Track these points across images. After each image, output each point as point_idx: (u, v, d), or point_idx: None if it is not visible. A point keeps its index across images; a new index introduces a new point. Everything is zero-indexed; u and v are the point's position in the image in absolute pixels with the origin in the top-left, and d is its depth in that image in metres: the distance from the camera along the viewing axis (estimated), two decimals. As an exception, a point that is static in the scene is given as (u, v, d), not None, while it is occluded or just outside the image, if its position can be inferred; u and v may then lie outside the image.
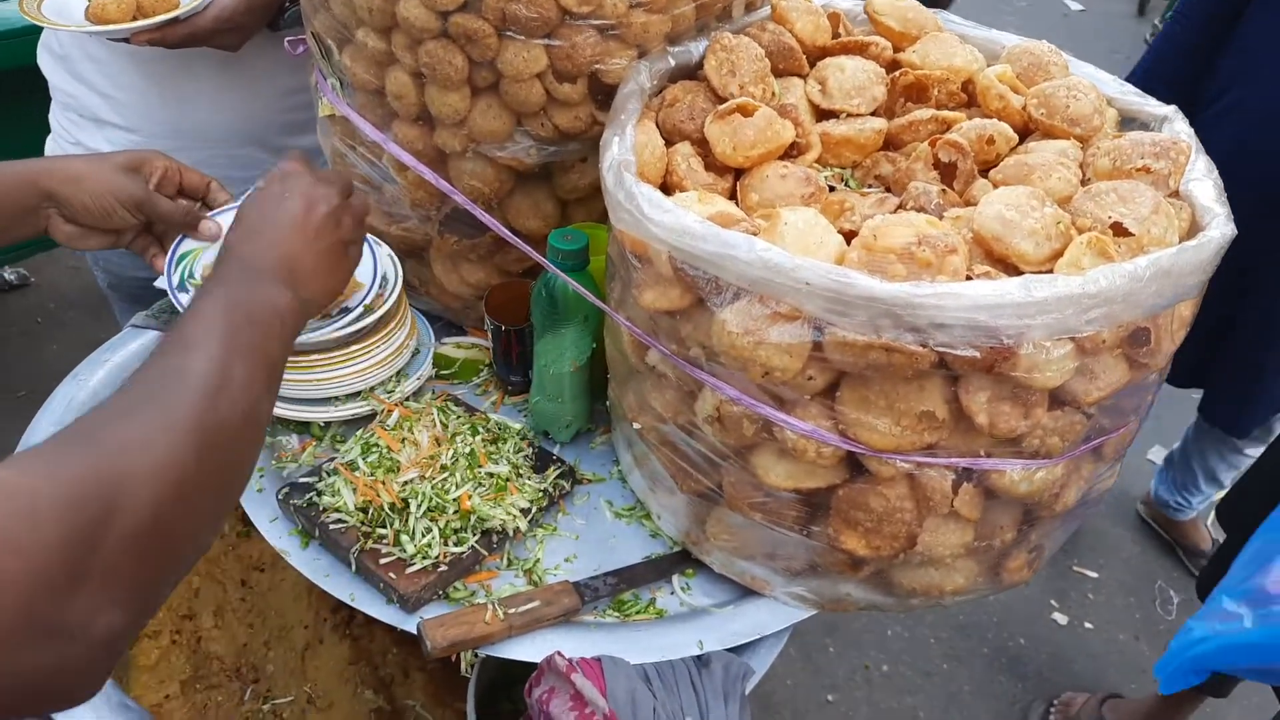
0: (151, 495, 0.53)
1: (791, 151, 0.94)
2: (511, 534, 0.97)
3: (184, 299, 0.96)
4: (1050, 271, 0.75)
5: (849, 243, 0.78)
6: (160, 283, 1.00)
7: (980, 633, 2.34)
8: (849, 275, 0.71)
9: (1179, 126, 0.92)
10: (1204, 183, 0.84)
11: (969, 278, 0.74)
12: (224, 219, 1.00)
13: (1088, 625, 2.39)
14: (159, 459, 0.54)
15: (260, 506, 1.02)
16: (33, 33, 1.48)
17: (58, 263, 3.14)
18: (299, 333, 0.75)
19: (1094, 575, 2.51)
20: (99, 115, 1.41)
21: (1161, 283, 0.73)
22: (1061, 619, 2.40)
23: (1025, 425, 0.78)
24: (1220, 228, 0.78)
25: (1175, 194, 0.85)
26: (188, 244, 1.01)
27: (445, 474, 0.97)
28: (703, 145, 0.93)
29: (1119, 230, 0.78)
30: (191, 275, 1.00)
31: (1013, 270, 0.77)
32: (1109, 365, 0.77)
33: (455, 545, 0.95)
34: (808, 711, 2.16)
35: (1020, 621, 2.37)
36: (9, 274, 3.06)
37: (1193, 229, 0.81)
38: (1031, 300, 0.69)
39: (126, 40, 1.21)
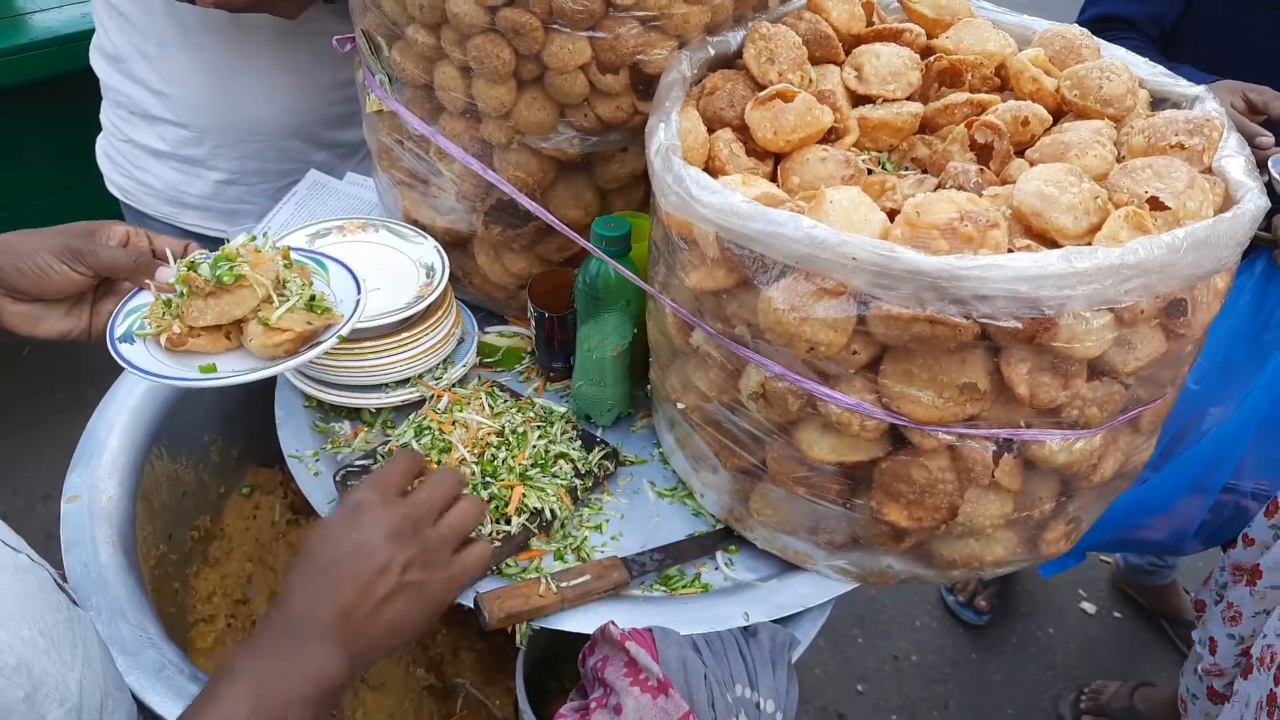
0: None
1: (830, 136, 0.96)
2: (559, 513, 1.00)
3: (126, 350, 0.85)
4: (1089, 245, 0.77)
5: (891, 220, 0.81)
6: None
7: (1009, 622, 2.35)
8: (894, 249, 0.73)
9: (1210, 106, 0.94)
10: (1236, 159, 0.86)
11: (1010, 252, 0.77)
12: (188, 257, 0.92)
13: (1116, 615, 2.40)
14: None
15: (317, 489, 1.06)
16: (84, 38, 1.53)
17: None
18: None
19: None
20: (151, 111, 1.46)
21: (1198, 254, 0.75)
22: (1090, 608, 2.41)
23: (1065, 396, 0.80)
24: (1254, 200, 0.80)
25: (1209, 170, 0.87)
26: (142, 297, 0.90)
27: (496, 451, 1.00)
28: (743, 131, 0.96)
29: (1155, 204, 0.80)
30: (142, 326, 0.88)
31: (1052, 245, 0.79)
32: (1147, 336, 0.79)
33: (506, 524, 0.98)
34: (839, 701, 2.18)
35: (1049, 611, 2.38)
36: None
37: (1226, 203, 0.83)
38: (1072, 271, 0.72)
39: (192, 2, 1.22)
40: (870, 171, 0.96)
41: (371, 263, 1.18)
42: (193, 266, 0.88)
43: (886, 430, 0.85)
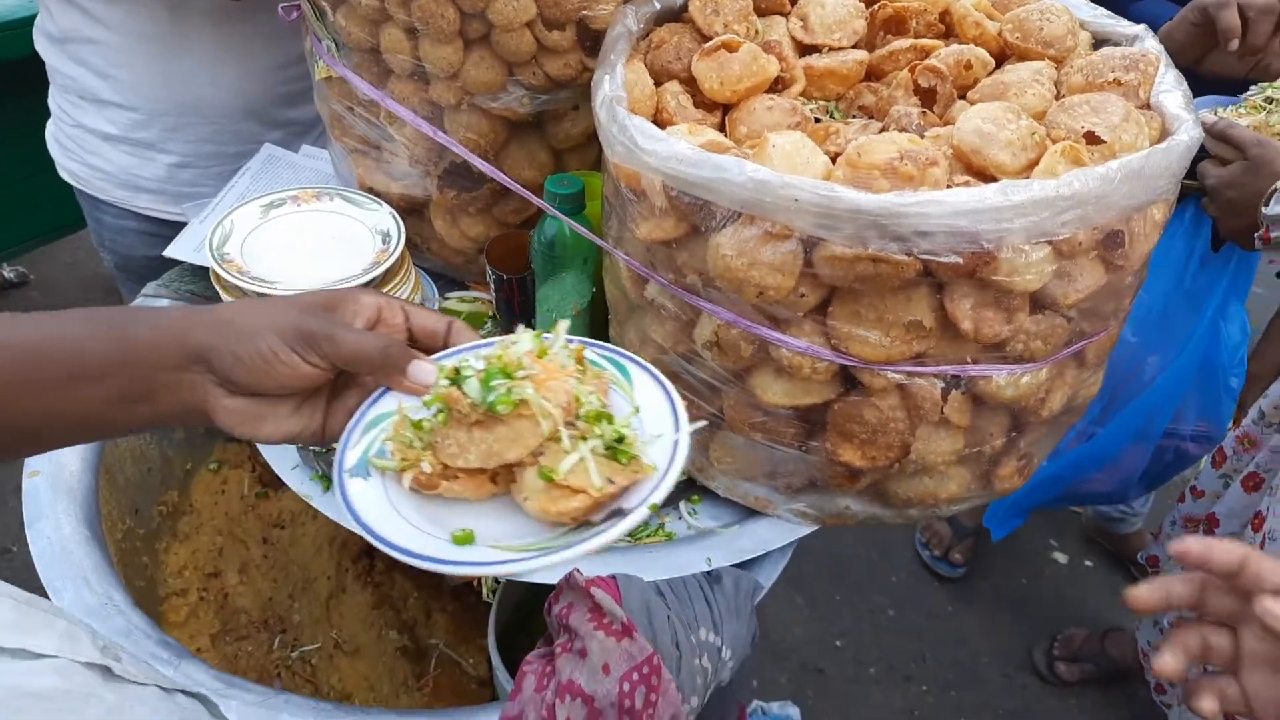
0: None
1: (777, 86, 0.97)
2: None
3: (357, 492, 0.60)
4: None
5: (834, 164, 0.82)
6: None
7: (983, 574, 2.39)
8: (835, 189, 0.74)
9: (1149, 44, 0.96)
10: (1174, 93, 0.87)
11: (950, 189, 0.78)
12: (451, 361, 0.65)
13: (1087, 563, 2.45)
14: None
15: (281, 456, 1.06)
16: (30, 22, 1.50)
17: (56, 259, 3.17)
18: None
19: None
20: (99, 96, 1.44)
21: (1133, 184, 0.76)
22: (1062, 558, 2.46)
23: (1008, 330, 0.81)
24: (1188, 132, 0.81)
25: (1146, 105, 0.88)
26: (388, 401, 0.64)
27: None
28: (691, 84, 0.97)
29: (1092, 139, 0.81)
30: (381, 452, 0.62)
31: (991, 181, 0.80)
32: (1086, 268, 0.81)
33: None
34: (818, 657, 2.21)
35: (1022, 562, 2.43)
36: (8, 272, 3.09)
37: (1163, 136, 0.85)
38: (1009, 204, 0.73)
39: None
40: (818, 120, 0.96)
41: (327, 231, 1.18)
42: (456, 380, 0.62)
43: (837, 372, 0.86)
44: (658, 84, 0.97)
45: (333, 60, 1.13)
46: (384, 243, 1.15)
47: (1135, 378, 1.42)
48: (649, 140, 0.82)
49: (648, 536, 1.00)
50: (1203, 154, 1.22)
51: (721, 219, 0.81)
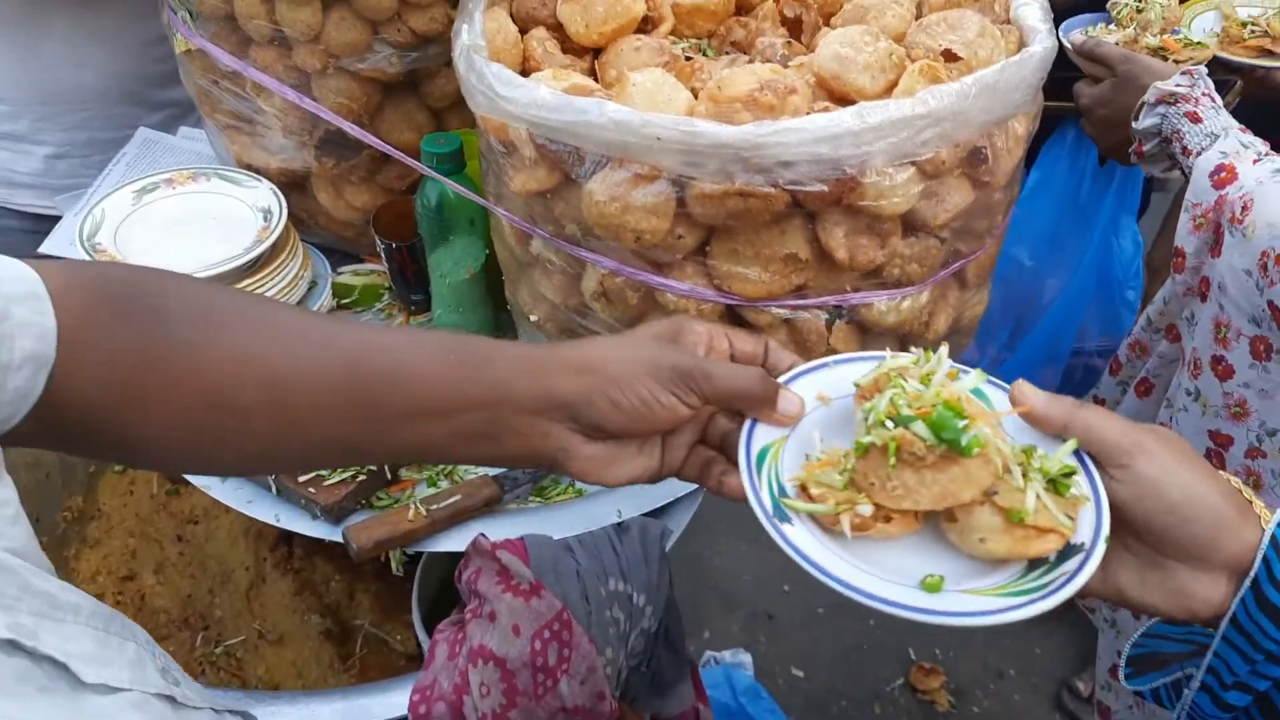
0: None
1: (646, 26, 0.95)
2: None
3: (800, 540, 0.55)
4: (888, 102, 0.78)
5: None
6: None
7: (921, 505, 2.45)
8: (695, 124, 0.73)
9: (1010, -40, 0.96)
10: (1031, 6, 0.88)
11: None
12: (802, 386, 0.63)
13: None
14: None
15: (175, 449, 1.03)
16: None
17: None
18: None
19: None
20: (-41, 89, 1.36)
21: (989, 99, 0.77)
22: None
23: (883, 255, 0.82)
24: (1042, 43, 0.82)
25: (1007, 20, 0.89)
26: (760, 435, 0.61)
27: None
28: (558, 30, 0.95)
29: (949, 56, 0.81)
30: (783, 490, 0.59)
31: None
32: (953, 187, 0.82)
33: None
34: (767, 603, 2.25)
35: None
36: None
37: (1021, 49, 0.85)
38: (867, 126, 0.73)
39: None
40: (689, 58, 0.95)
41: (205, 212, 1.13)
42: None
43: (724, 312, 0.86)
44: (524, 32, 0.94)
45: (189, 31, 1.08)
46: (265, 220, 1.11)
47: (1035, 301, 1.45)
48: (508, 88, 0.79)
49: (559, 495, 1.00)
50: (1080, 75, 1.24)
51: (591, 164, 0.80)
